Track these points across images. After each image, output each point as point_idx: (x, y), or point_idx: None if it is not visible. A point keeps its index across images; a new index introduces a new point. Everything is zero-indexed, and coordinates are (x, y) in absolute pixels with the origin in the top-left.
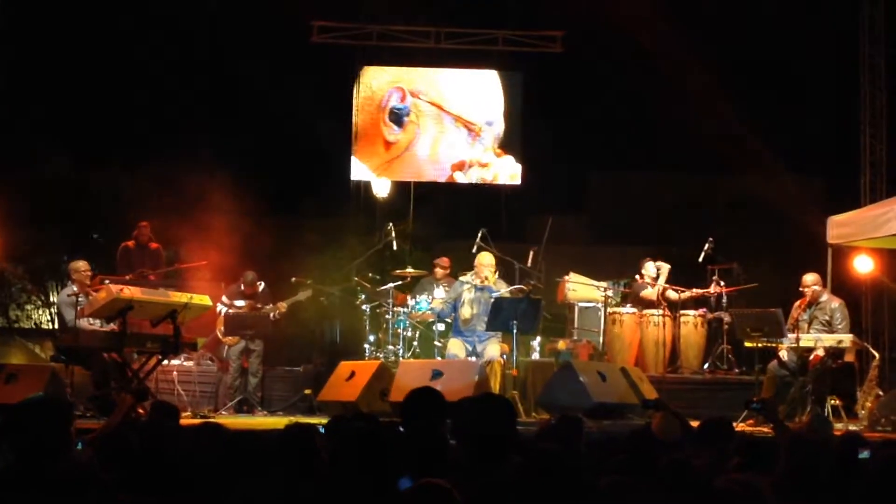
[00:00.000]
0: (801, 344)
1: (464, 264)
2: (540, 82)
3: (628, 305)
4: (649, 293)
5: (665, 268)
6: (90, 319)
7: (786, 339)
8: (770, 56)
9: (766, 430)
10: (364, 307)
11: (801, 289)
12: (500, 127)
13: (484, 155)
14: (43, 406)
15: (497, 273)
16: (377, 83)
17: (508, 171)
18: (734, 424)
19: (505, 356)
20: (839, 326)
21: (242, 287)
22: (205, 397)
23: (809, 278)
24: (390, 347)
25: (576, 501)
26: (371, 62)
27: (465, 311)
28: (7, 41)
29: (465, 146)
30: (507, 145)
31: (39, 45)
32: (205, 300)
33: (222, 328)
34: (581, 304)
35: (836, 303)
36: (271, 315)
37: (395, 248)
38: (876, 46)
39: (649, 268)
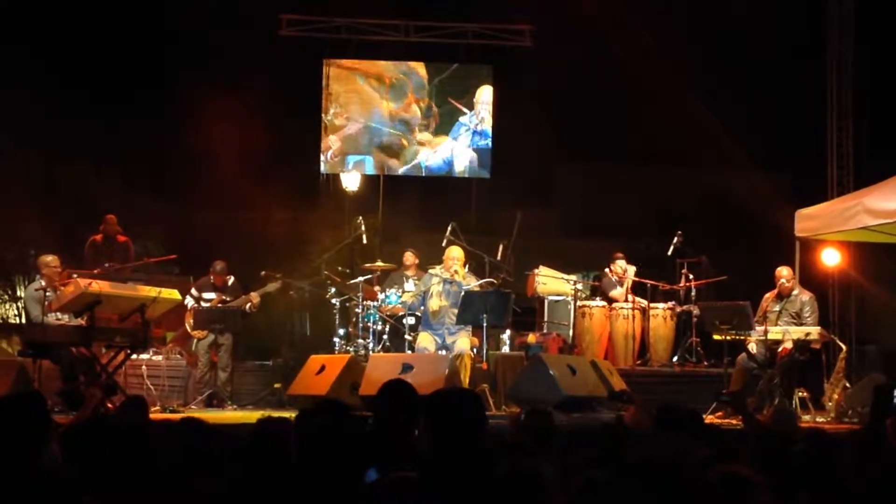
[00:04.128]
0: (770, 336)
1: (433, 258)
2: (509, 76)
3: (598, 299)
4: (617, 293)
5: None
6: (58, 314)
7: (754, 331)
8: (738, 52)
9: (735, 422)
10: (334, 301)
11: (780, 281)
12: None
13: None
14: (23, 400)
15: (467, 267)
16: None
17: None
18: (704, 417)
19: (475, 350)
20: (808, 319)
21: (212, 277)
22: (174, 391)
23: (785, 271)
24: (360, 341)
25: (545, 495)
26: (339, 56)
27: (433, 304)
28: None
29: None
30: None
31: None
32: (174, 294)
33: (191, 322)
34: (551, 298)
35: (807, 296)
36: (246, 307)
37: (364, 241)
38: (844, 42)
39: (619, 263)
